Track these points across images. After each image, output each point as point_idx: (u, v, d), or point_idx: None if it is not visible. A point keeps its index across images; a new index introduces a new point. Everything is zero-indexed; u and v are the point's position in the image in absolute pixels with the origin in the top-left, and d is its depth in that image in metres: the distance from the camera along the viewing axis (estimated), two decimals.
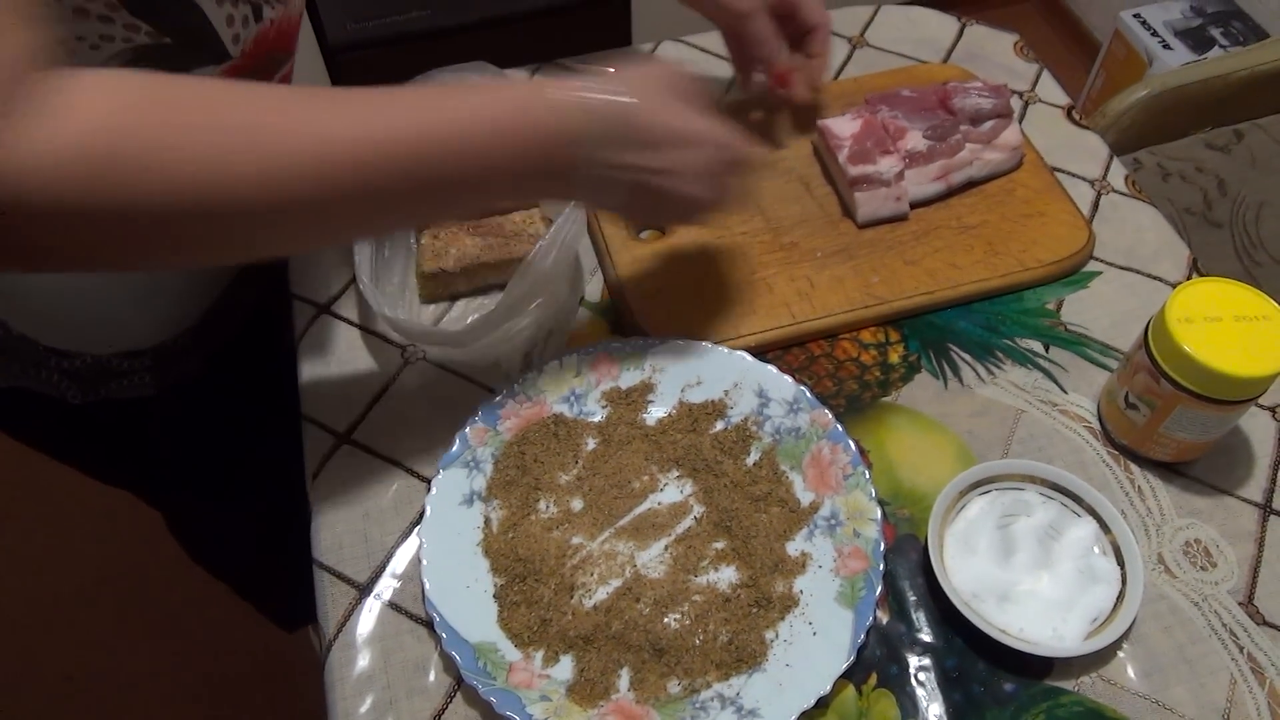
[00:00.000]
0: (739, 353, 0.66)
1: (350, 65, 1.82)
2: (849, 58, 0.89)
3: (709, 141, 0.54)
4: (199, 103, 0.42)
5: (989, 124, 0.76)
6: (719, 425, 0.65)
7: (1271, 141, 1.30)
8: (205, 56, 0.56)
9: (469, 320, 0.66)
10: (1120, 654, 0.57)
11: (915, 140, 0.74)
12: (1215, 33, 1.73)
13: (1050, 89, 0.87)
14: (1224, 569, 0.61)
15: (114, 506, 1.01)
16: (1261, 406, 0.67)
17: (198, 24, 0.53)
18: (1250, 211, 1.23)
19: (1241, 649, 0.58)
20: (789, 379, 0.65)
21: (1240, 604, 0.59)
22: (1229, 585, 0.60)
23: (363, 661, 0.57)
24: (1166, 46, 1.71)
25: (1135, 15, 1.77)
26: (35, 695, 1.41)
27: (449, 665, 0.55)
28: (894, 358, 0.69)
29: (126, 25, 0.50)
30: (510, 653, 0.56)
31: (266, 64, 0.62)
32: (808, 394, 0.64)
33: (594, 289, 0.72)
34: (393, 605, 0.58)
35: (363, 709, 0.55)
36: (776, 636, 0.57)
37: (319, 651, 0.58)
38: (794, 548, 0.60)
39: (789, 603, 0.58)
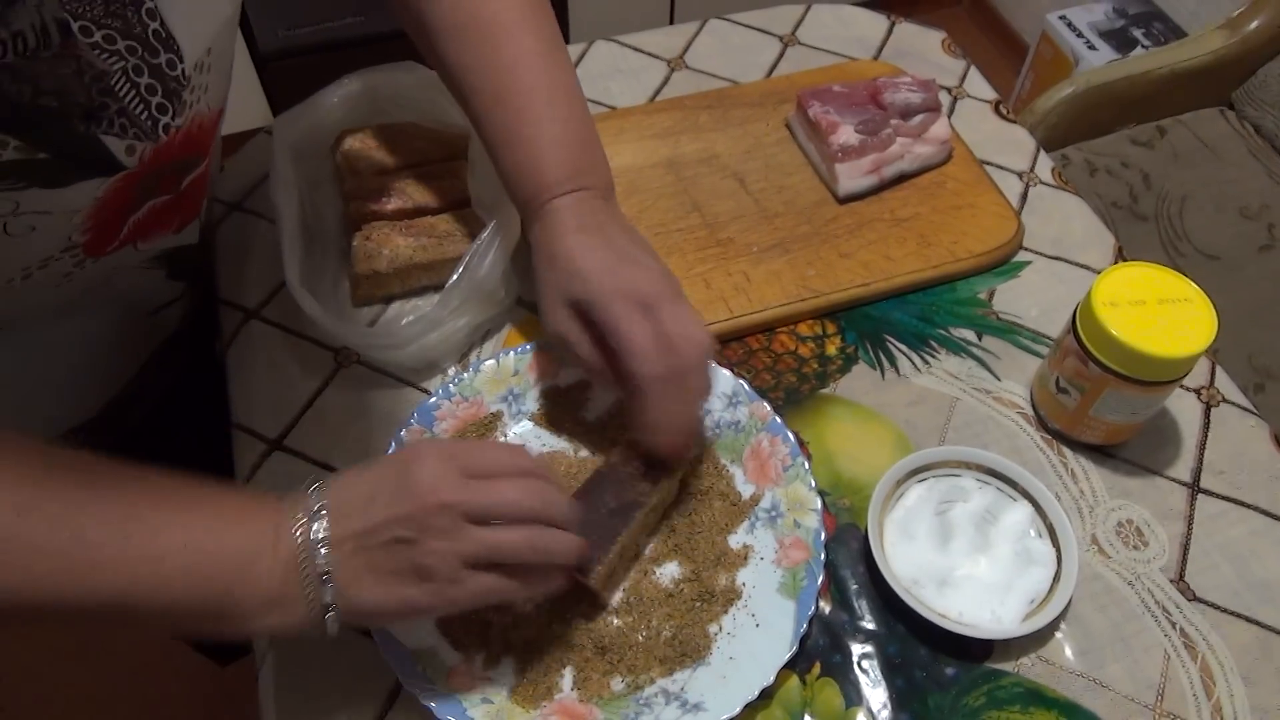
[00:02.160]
0: None
1: (281, 72, 1.79)
2: (781, 56, 0.89)
3: (427, 449, 0.48)
4: None
5: (918, 118, 0.77)
6: None
7: (1193, 137, 1.34)
8: (91, 170, 0.50)
9: (404, 322, 0.65)
10: (1058, 634, 0.58)
11: (847, 135, 0.75)
12: (1137, 33, 1.78)
13: (978, 85, 0.88)
14: (1155, 548, 0.62)
15: None
16: (1187, 389, 0.69)
17: (80, 139, 0.48)
18: (1174, 205, 1.27)
19: (1174, 625, 0.59)
20: (727, 373, 0.64)
21: (1172, 581, 0.60)
22: (1160, 563, 0.61)
23: (298, 670, 0.55)
24: (1091, 47, 1.76)
25: (1061, 17, 1.82)
26: None
27: (388, 672, 0.54)
28: (831, 350, 0.70)
29: None
30: (450, 656, 0.54)
31: (173, 170, 0.57)
32: (746, 387, 0.64)
33: (531, 287, 0.72)
34: None
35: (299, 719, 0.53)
36: (720, 630, 0.56)
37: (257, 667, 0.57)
38: (736, 540, 0.60)
39: (732, 595, 0.57)
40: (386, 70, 0.73)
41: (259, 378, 0.67)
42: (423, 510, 0.46)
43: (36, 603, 0.41)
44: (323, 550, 0.45)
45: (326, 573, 0.45)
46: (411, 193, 0.71)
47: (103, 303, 0.64)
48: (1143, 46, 1.75)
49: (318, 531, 0.46)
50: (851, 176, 0.75)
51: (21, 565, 0.41)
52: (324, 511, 0.46)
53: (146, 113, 0.49)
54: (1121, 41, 1.77)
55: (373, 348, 0.65)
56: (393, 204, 0.71)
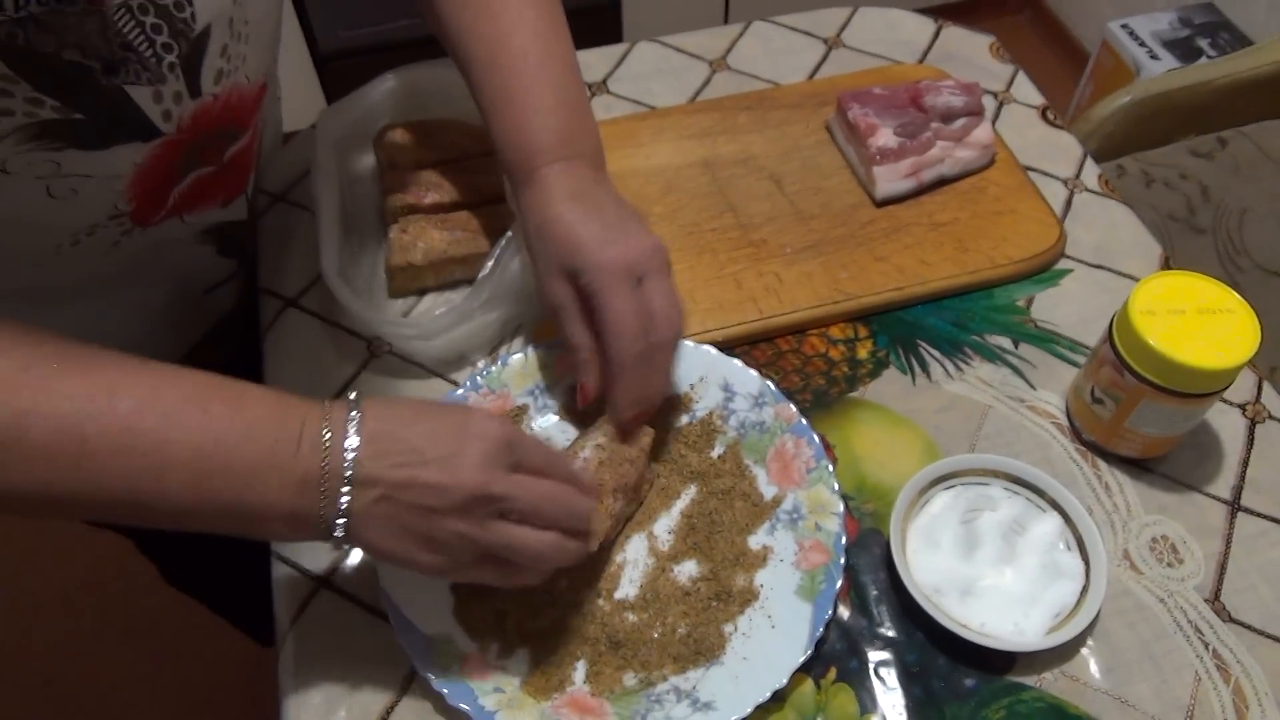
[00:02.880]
0: (705, 347, 0.65)
1: (340, 72, 1.83)
2: (824, 58, 0.89)
3: (482, 426, 0.48)
4: None
5: (960, 122, 0.76)
6: (684, 420, 0.64)
7: (1255, 148, 1.30)
8: (126, 133, 0.51)
9: (435, 314, 0.66)
10: (1084, 650, 0.57)
11: (886, 137, 0.74)
12: (1203, 43, 1.73)
13: (1026, 90, 0.87)
14: (1190, 565, 0.60)
15: None
16: (1231, 404, 0.67)
17: (115, 100, 0.49)
18: (1233, 218, 1.23)
19: (1207, 645, 0.57)
20: (754, 373, 0.64)
21: (1206, 600, 0.59)
22: (1195, 582, 0.59)
23: (316, 653, 0.56)
24: (1154, 57, 1.72)
25: (1123, 26, 1.78)
26: (14, 699, 1.40)
27: (404, 657, 0.55)
28: (862, 353, 0.69)
29: (29, 99, 0.45)
30: (465, 644, 0.55)
31: (213, 140, 0.58)
32: (772, 388, 0.63)
33: None
34: (349, 596, 0.58)
35: (315, 700, 0.54)
36: (735, 630, 0.56)
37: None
38: (755, 541, 0.59)
39: (749, 596, 0.57)
40: (429, 66, 0.75)
41: (294, 364, 0.68)
42: (463, 492, 0.46)
43: (48, 501, 0.42)
44: (346, 487, 0.45)
45: (345, 508, 0.45)
46: (449, 187, 0.72)
47: (156, 278, 0.66)
48: (1208, 57, 1.71)
49: (347, 463, 0.45)
50: (889, 179, 0.74)
51: (27, 468, 0.41)
52: (357, 440, 0.45)
53: (152, 51, 0.49)
54: (1186, 51, 1.72)
55: (403, 338, 0.66)
56: (430, 198, 0.72)
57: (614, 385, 0.56)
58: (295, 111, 1.02)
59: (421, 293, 0.72)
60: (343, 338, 0.69)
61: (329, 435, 0.45)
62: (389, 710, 0.54)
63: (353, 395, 0.48)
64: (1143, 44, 1.74)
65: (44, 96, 0.45)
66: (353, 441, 0.45)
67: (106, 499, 0.43)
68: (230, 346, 0.78)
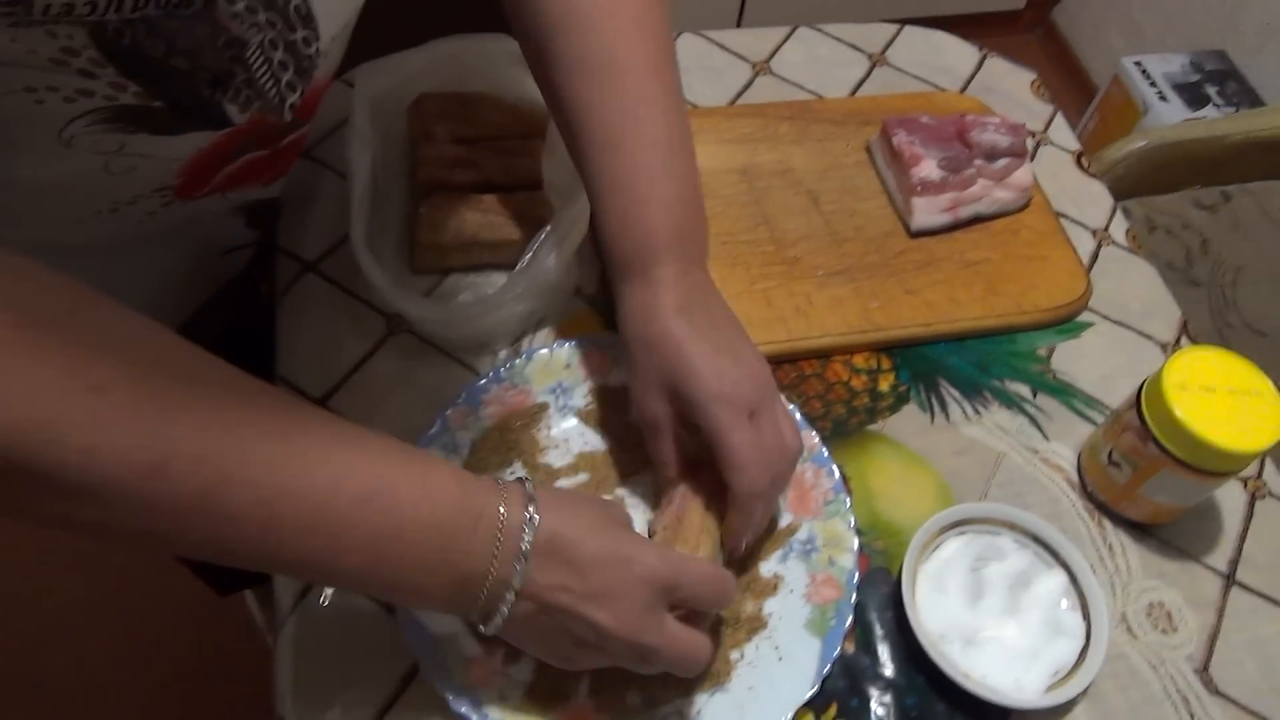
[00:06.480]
0: None
1: None
2: (867, 75, 0.88)
3: (647, 567, 0.47)
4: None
5: (1003, 162, 0.75)
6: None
7: (1256, 207, 1.32)
8: (201, 123, 0.49)
9: (460, 298, 0.64)
10: (1076, 709, 0.58)
11: (929, 169, 0.73)
12: (1211, 90, 1.75)
13: (1063, 133, 0.87)
14: (1184, 634, 0.61)
15: None
16: (1235, 477, 0.68)
17: (197, 93, 0.47)
18: (1229, 274, 1.25)
19: (1193, 716, 0.58)
20: (782, 397, 0.63)
21: (1196, 671, 0.60)
22: (1187, 651, 0.61)
23: (317, 641, 0.55)
24: (1163, 98, 1.73)
25: (1136, 63, 1.79)
26: None
27: (404, 654, 0.54)
28: (884, 386, 0.69)
29: (112, 84, 0.44)
30: (471, 647, 0.54)
31: (273, 130, 0.56)
32: (797, 414, 0.63)
33: (591, 279, 0.71)
34: None
35: (311, 689, 0.53)
36: (741, 657, 0.56)
37: (255, 617, 0.56)
38: (767, 568, 0.59)
39: (757, 624, 0.57)
40: (477, 39, 0.72)
41: (308, 333, 0.66)
42: (616, 641, 0.47)
43: (221, 555, 0.41)
44: (511, 595, 0.45)
45: (505, 613, 0.46)
46: (485, 167, 0.70)
47: (180, 242, 0.63)
48: (1214, 105, 1.73)
49: (515, 574, 0.45)
50: (927, 212, 0.73)
51: (214, 529, 0.39)
52: (528, 551, 0.45)
53: (275, 90, 0.48)
54: (1193, 97, 1.74)
55: (428, 322, 0.65)
56: (465, 176, 0.69)
57: (731, 518, 0.54)
58: None
59: (445, 272, 0.70)
60: (361, 310, 0.67)
61: (501, 540, 0.45)
62: (386, 708, 0.53)
63: (528, 485, 0.47)
64: (1153, 84, 1.75)
65: (128, 82, 0.43)
66: (525, 552, 0.45)
67: (279, 564, 0.46)
68: (236, 308, 0.75)
